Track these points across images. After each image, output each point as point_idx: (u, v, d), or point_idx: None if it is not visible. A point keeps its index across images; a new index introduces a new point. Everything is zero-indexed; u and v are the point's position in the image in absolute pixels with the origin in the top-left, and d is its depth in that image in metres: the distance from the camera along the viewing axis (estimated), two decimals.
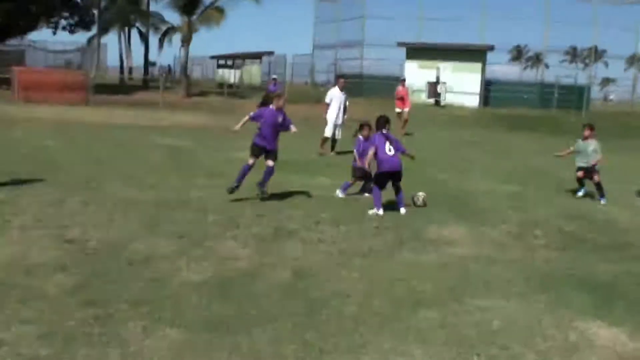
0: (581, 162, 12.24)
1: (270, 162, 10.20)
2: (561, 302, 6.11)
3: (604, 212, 10.88)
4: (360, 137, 11.06)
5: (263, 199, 10.08)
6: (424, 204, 10.35)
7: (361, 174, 10.89)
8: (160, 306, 5.47)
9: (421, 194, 10.48)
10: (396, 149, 9.89)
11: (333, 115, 17.17)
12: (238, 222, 8.58)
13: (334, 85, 18.01)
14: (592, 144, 12.20)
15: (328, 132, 17.17)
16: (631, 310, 6.00)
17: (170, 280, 6.16)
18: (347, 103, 17.64)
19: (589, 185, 12.18)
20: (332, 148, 17.15)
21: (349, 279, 6.47)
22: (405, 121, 24.35)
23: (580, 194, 12.32)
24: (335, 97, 17.34)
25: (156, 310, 5.38)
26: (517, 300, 6.13)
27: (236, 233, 8.06)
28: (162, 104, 31.00)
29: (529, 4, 44.71)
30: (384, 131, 10.02)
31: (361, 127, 11.12)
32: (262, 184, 10.16)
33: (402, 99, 24.86)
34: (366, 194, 10.88)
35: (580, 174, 12.25)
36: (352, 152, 11.42)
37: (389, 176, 9.89)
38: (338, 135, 17.29)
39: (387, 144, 9.83)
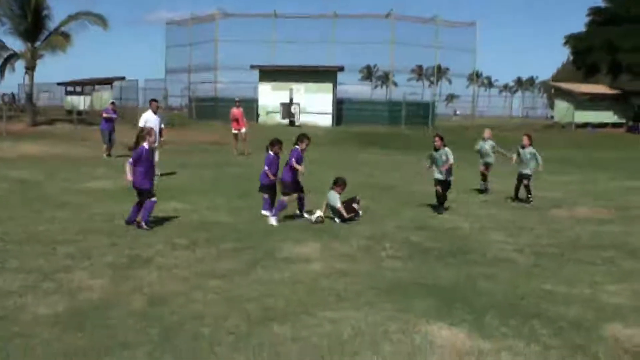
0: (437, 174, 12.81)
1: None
2: (407, 308, 6.50)
3: (447, 222, 11.59)
4: (271, 153, 11.63)
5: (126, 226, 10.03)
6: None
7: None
8: (9, 344, 5.32)
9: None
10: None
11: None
12: (91, 253, 8.44)
13: (148, 109, 17.74)
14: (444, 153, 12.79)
15: None
16: (469, 311, 6.49)
17: (18, 317, 5.98)
18: (163, 125, 17.54)
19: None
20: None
21: (204, 302, 6.56)
22: (244, 141, 25.06)
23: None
24: (149, 120, 17.00)
25: (3, 349, 5.23)
26: (366, 309, 6.46)
27: (89, 264, 7.93)
28: (6, 134, 29.53)
29: (375, 26, 46.07)
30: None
31: (272, 144, 11.70)
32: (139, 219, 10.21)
33: (237, 121, 25.45)
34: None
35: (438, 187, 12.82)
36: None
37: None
38: (156, 157, 17.07)
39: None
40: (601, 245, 9.82)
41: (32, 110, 37.12)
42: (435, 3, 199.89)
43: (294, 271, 7.86)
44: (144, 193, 10.21)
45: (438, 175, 12.78)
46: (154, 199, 10.22)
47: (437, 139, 13.05)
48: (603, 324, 6.18)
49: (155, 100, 18.69)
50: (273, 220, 10.91)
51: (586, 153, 32.01)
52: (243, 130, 25.34)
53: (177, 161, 19.72)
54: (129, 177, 10.20)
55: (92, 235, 9.52)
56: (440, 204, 12.79)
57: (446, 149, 12.79)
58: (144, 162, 10.17)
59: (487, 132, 16.67)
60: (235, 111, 25.73)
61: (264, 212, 11.54)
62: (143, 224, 10.04)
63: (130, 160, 10.20)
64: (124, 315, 6.12)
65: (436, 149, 12.88)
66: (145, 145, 10.29)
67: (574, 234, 10.75)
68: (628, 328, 6.06)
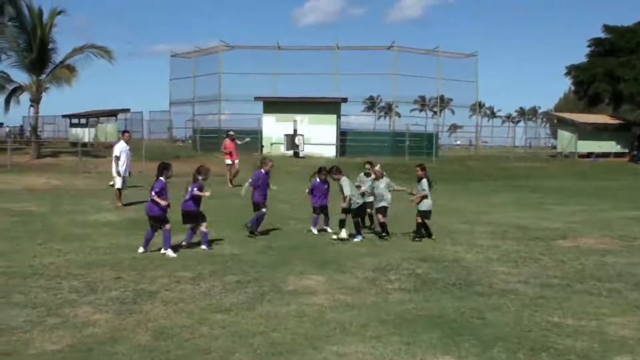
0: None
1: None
2: (414, 342, 6.47)
3: (451, 253, 11.57)
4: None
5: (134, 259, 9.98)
6: None
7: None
8: None
9: None
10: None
11: (123, 168, 17.93)
12: (96, 287, 8.44)
13: (120, 139, 18.99)
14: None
15: (119, 184, 17.81)
16: (476, 343, 6.45)
17: (23, 352, 5.96)
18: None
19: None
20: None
21: (210, 336, 6.53)
22: (237, 172, 25.49)
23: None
24: (123, 150, 18.08)
25: None
26: (373, 343, 6.42)
27: (94, 298, 7.92)
28: (11, 166, 29.69)
29: (378, 58, 46.36)
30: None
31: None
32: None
33: (230, 154, 25.69)
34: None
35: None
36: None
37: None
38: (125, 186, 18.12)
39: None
40: (607, 277, 9.77)
41: (36, 143, 37.32)
42: (437, 34, 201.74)
43: (300, 304, 7.83)
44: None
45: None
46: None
47: (419, 169, 13.40)
48: (611, 356, 6.13)
49: (127, 131, 20.33)
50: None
51: (589, 183, 32.01)
52: (237, 161, 25.76)
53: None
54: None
55: (97, 268, 9.53)
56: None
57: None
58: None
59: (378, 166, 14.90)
60: (229, 143, 25.91)
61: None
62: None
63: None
64: (130, 349, 6.09)
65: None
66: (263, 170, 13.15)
67: (579, 265, 10.70)
68: None
